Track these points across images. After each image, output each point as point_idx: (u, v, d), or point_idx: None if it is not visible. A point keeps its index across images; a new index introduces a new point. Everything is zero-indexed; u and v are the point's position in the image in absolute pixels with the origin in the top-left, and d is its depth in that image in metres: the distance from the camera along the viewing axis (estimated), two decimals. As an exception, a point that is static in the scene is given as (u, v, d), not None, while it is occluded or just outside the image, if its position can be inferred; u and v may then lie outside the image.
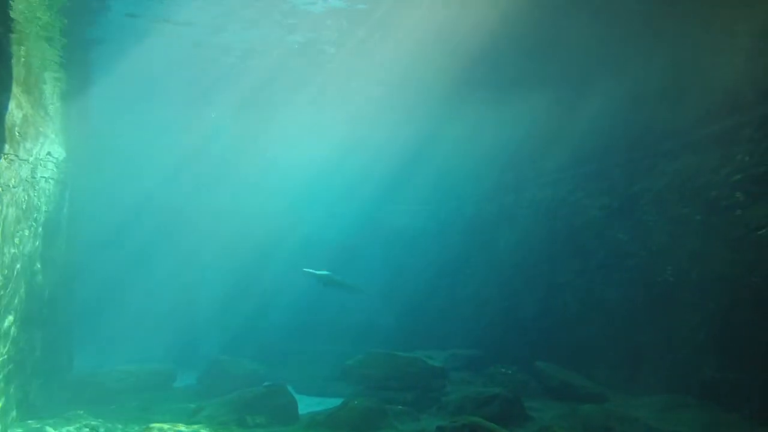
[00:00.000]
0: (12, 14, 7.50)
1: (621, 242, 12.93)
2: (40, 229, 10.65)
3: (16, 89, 8.30)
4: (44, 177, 10.72)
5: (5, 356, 8.69)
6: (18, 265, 9.18)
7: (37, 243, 10.52)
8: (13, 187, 8.62)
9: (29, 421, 9.89)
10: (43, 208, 10.81)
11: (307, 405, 12.17)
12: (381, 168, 18.16)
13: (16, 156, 8.62)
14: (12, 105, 8.02)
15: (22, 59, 9.13)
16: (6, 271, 8.50)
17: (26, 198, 9.45)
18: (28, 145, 9.33)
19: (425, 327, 17.73)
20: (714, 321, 9.79)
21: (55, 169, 11.55)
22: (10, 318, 8.90)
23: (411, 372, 11.97)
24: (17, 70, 8.59)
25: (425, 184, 19.29)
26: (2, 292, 8.35)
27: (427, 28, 9.69)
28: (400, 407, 10.77)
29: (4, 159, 7.98)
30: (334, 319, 18.68)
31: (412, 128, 15.90)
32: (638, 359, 11.51)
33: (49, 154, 10.93)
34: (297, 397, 11.80)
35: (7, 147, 7.95)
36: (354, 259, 19.44)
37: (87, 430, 9.62)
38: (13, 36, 7.98)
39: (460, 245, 18.39)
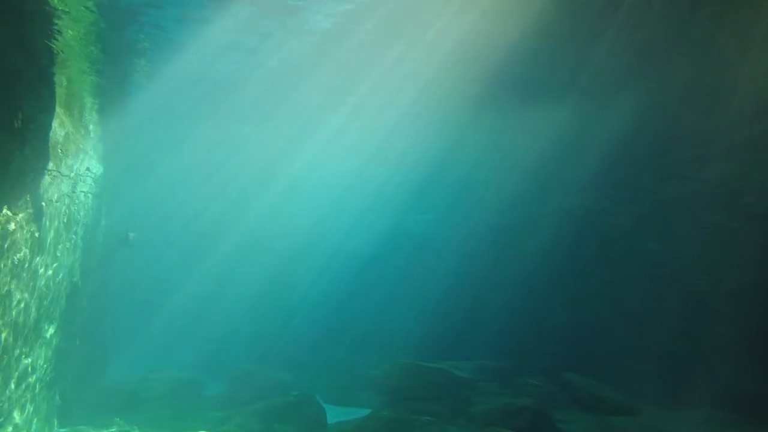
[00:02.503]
0: (56, 44, 7.93)
1: (651, 251, 12.67)
2: (80, 241, 11.09)
3: (59, 109, 8.74)
4: (83, 191, 11.17)
5: (47, 364, 9.06)
6: (59, 277, 9.58)
7: (77, 255, 10.96)
8: (56, 201, 9.02)
9: (68, 427, 10.25)
10: (82, 221, 11.26)
11: (334, 415, 12.23)
12: (404, 177, 18.25)
13: (59, 172, 9.04)
14: (55, 124, 8.44)
15: (64, 81, 9.61)
16: (49, 283, 8.89)
17: (67, 212, 9.87)
18: (69, 161, 9.77)
19: (451, 337, 17.63)
20: (752, 331, 9.50)
21: (92, 184, 12.03)
22: (53, 327, 9.27)
23: (438, 383, 11.93)
24: (60, 92, 9.04)
25: (448, 192, 19.29)
26: (45, 302, 8.72)
27: (451, 37, 9.75)
28: (427, 418, 10.73)
29: (48, 175, 8.38)
30: (360, 328, 18.74)
31: (435, 137, 15.95)
32: (671, 371, 11.22)
33: (87, 169, 11.40)
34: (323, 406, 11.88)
35: (51, 164, 8.35)
36: (378, 269, 19.52)
37: (122, 436, 9.90)
38: (56, 62, 8.43)
39: (485, 254, 18.28)
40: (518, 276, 16.57)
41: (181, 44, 9.71)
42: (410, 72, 11.62)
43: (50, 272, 8.92)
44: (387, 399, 12.06)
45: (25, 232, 7.35)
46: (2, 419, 6.87)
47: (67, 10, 7.02)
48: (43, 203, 8.30)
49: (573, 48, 10.02)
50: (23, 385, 7.76)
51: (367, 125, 15.64)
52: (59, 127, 8.82)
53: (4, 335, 6.73)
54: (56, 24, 7.34)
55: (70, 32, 8.07)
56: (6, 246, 6.62)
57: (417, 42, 10.11)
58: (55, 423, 9.64)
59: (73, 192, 10.31)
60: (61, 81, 9.28)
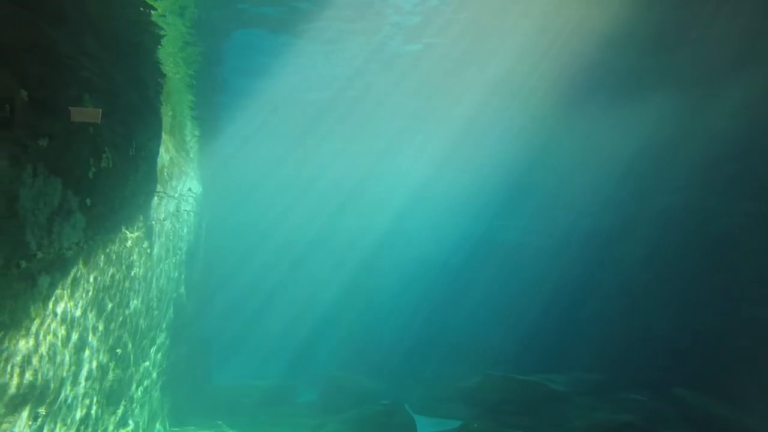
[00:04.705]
0: (161, 76, 8.74)
1: (773, 253, 11.30)
2: (184, 256, 12.06)
3: (164, 136, 9.61)
4: (186, 210, 12.16)
5: (160, 368, 9.89)
6: (168, 288, 10.47)
7: (182, 268, 11.92)
8: (164, 220, 9.89)
9: (178, 428, 11.11)
10: (186, 237, 12.24)
11: (423, 425, 12.14)
12: (495, 184, 17.82)
13: (165, 193, 9.91)
14: (162, 149, 9.28)
15: (169, 110, 10.55)
16: (160, 294, 9.73)
17: (173, 229, 10.79)
18: (174, 183, 10.68)
19: (542, 349, 16.86)
20: None
21: (194, 203, 13.06)
22: (163, 335, 10.13)
23: (530, 396, 11.46)
24: (165, 119, 9.94)
25: (540, 197, 18.52)
26: (157, 312, 9.55)
27: (539, 33, 9.36)
28: (521, 432, 10.34)
29: (156, 196, 9.21)
30: (448, 339, 18.50)
31: (523, 139, 15.39)
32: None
33: (189, 189, 12.40)
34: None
35: (158, 186, 9.18)
36: (468, 278, 19.19)
37: (227, 439, 10.53)
38: (162, 92, 9.29)
39: (578, 261, 17.31)
40: (617, 283, 15.50)
41: (275, 68, 10.26)
42: (498, 77, 11.34)
43: (160, 284, 9.76)
44: (478, 411, 11.78)
45: (139, 248, 8.12)
46: (128, 417, 7.60)
47: (162, 45, 7.69)
48: (153, 222, 9.12)
49: (673, 35, 9.22)
50: (141, 388, 8.53)
51: (450, 130, 15.48)
52: (165, 152, 9.68)
53: (126, 341, 7.46)
54: (160, 59, 8.09)
55: (173, 66, 8.85)
56: (124, 261, 7.35)
57: (503, 47, 9.83)
58: (167, 424, 10.48)
59: (178, 211, 11.25)
60: (166, 110, 10.20)
